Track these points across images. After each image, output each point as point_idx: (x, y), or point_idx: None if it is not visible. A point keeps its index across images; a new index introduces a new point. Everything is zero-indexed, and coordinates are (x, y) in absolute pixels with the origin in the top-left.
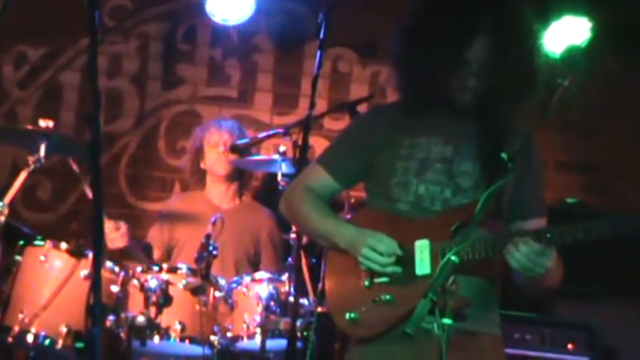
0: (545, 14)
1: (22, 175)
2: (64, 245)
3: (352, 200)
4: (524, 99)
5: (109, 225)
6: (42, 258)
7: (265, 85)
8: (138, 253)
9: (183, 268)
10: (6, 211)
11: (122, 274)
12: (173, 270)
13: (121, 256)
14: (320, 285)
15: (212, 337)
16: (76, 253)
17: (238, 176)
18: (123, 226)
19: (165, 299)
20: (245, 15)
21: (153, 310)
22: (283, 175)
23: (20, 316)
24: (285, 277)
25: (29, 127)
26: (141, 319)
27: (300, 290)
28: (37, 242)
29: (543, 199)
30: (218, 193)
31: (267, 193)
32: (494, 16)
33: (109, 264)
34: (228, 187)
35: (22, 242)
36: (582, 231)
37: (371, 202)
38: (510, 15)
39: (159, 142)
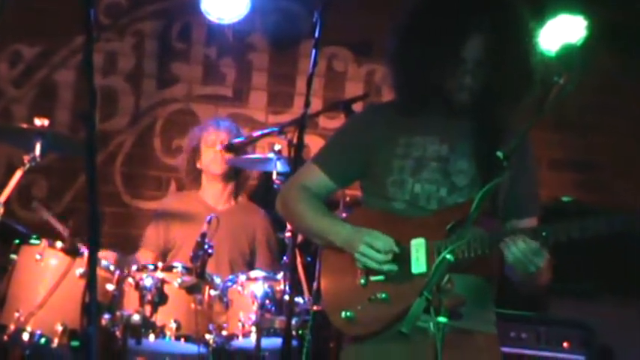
0: (541, 13)
1: (18, 174)
2: (59, 244)
3: (347, 199)
4: (520, 97)
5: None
6: (37, 257)
7: (260, 83)
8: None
9: (178, 266)
10: (1, 210)
11: (117, 272)
12: (168, 268)
13: None
14: (315, 283)
15: (207, 336)
16: (72, 252)
17: (234, 176)
18: (111, 257)
19: (160, 298)
20: (240, 14)
21: (148, 309)
22: (278, 173)
23: (16, 314)
24: (280, 275)
25: (24, 125)
26: (136, 317)
27: (296, 289)
28: (32, 241)
29: (537, 198)
30: (213, 194)
31: (263, 192)
32: (490, 14)
33: (104, 262)
34: (224, 187)
35: (17, 241)
36: (578, 229)
37: (367, 201)
38: (506, 13)
39: (154, 141)
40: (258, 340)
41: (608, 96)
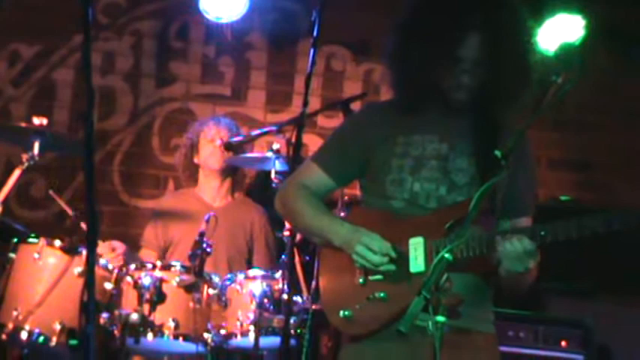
0: (539, 12)
1: (16, 173)
2: (57, 243)
3: (346, 198)
4: (518, 96)
5: (103, 246)
6: (36, 255)
7: (259, 82)
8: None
9: (176, 265)
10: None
11: (116, 271)
12: (167, 267)
13: None
14: (314, 282)
15: (206, 335)
16: (70, 251)
17: (232, 173)
18: (119, 247)
19: (158, 296)
20: (239, 12)
21: (146, 308)
22: (277, 172)
23: (14, 313)
24: (278, 274)
25: (23, 124)
26: (134, 316)
27: (294, 288)
28: (30, 240)
29: (534, 198)
30: (210, 190)
31: (261, 190)
32: (488, 13)
33: (102, 261)
34: (221, 184)
35: (15, 240)
36: (576, 228)
37: (366, 200)
38: (504, 12)
39: (152, 140)
40: (256, 339)
41: (607, 95)
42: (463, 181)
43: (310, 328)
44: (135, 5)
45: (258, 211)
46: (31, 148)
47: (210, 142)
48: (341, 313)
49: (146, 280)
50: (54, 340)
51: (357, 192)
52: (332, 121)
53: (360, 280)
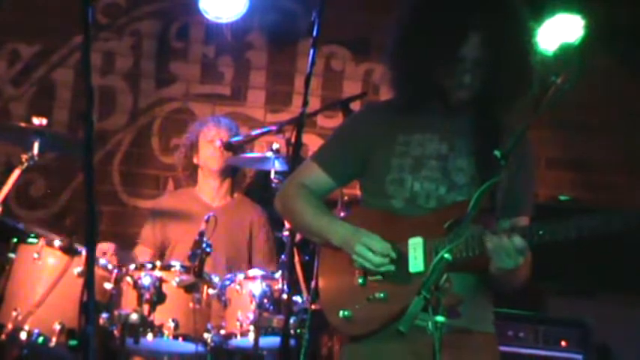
0: (539, 12)
1: (16, 173)
2: (57, 243)
3: (345, 198)
4: (518, 96)
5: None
6: (35, 255)
7: (258, 82)
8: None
9: (176, 265)
10: None
11: (115, 271)
12: (166, 267)
13: None
14: (313, 282)
15: (205, 335)
16: (70, 251)
17: (231, 173)
18: (108, 248)
19: (158, 297)
20: (238, 12)
21: (146, 308)
22: (276, 172)
23: (14, 313)
24: (278, 274)
25: (22, 124)
26: (134, 316)
27: (294, 288)
28: (30, 240)
29: (533, 198)
30: (210, 190)
31: (261, 190)
32: (489, 13)
33: (102, 261)
34: (220, 184)
35: (15, 240)
36: (574, 229)
37: (365, 199)
38: (505, 12)
39: (152, 140)
40: (256, 339)
41: (607, 95)
42: (463, 180)
43: (309, 328)
44: (135, 5)
45: (257, 211)
46: (31, 148)
47: (210, 143)
48: (340, 313)
49: (146, 281)
50: (53, 341)
51: (357, 192)
52: (332, 121)
53: (360, 281)
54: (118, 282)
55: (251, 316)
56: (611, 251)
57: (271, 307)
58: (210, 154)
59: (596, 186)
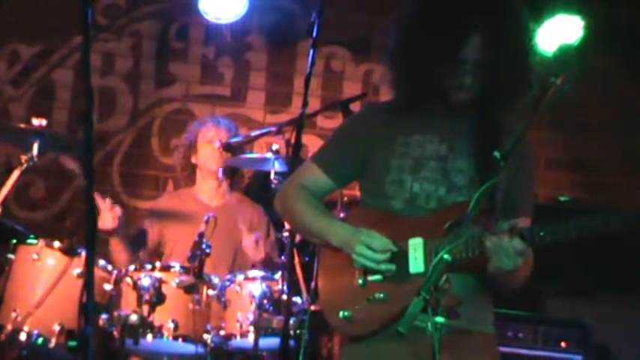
0: (539, 13)
1: (15, 174)
2: (56, 244)
3: (345, 199)
4: (518, 96)
5: (103, 203)
6: (35, 256)
7: (258, 83)
8: (124, 240)
9: (176, 266)
10: None
11: (115, 272)
12: (166, 268)
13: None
14: (313, 283)
15: (205, 336)
16: (69, 252)
17: (230, 174)
18: (117, 209)
19: (158, 297)
20: (238, 13)
21: (146, 309)
22: (276, 173)
23: (13, 314)
24: (278, 275)
25: (22, 125)
26: (134, 317)
27: (294, 288)
28: (29, 241)
29: (532, 199)
30: (208, 191)
31: (260, 191)
32: (489, 14)
33: (102, 262)
34: (218, 184)
35: (14, 241)
36: (574, 229)
37: (365, 200)
38: (505, 13)
39: (152, 141)
40: (256, 340)
41: (606, 95)
42: (463, 181)
43: (309, 329)
44: (134, 6)
45: (256, 209)
46: (30, 149)
47: (209, 144)
48: (340, 313)
49: (145, 281)
50: (53, 342)
51: (357, 193)
52: (331, 122)
53: (360, 281)
54: (117, 283)
55: (251, 317)
56: (611, 252)
57: (271, 308)
58: (209, 154)
59: (596, 186)
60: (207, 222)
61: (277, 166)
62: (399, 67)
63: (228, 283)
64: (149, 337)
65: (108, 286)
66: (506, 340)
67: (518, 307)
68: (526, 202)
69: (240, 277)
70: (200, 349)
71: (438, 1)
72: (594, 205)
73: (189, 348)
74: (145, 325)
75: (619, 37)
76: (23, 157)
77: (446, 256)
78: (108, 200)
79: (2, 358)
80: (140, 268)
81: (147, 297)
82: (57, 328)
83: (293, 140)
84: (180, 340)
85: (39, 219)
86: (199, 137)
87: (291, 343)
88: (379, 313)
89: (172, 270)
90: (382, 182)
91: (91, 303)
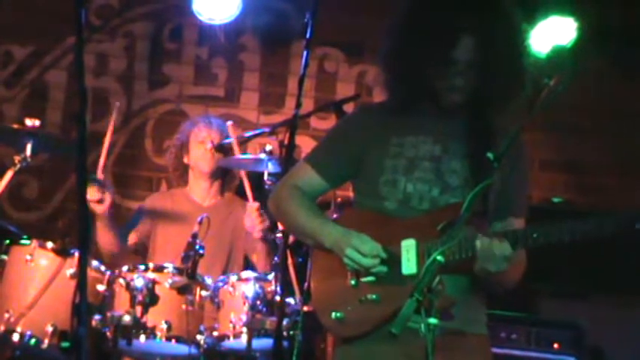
0: (532, 14)
1: (9, 175)
2: (49, 244)
3: (338, 199)
4: (511, 98)
5: (94, 190)
6: (28, 257)
7: (252, 84)
8: (111, 227)
9: (169, 267)
10: None
11: (108, 273)
12: (159, 269)
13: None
14: (306, 284)
15: (198, 337)
16: (62, 252)
17: (222, 174)
18: (108, 197)
19: (151, 298)
20: (232, 14)
21: (139, 310)
22: (270, 174)
23: (6, 315)
24: (271, 276)
25: (15, 126)
26: (127, 318)
27: (287, 289)
28: (22, 241)
29: (526, 200)
30: (200, 191)
31: (254, 192)
32: (481, 15)
33: (95, 263)
34: (210, 185)
35: (7, 241)
36: (567, 232)
37: (359, 201)
38: (497, 14)
39: (145, 142)
40: (249, 341)
41: (599, 97)
42: (456, 182)
43: (302, 330)
44: (128, 7)
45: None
46: (24, 149)
47: (201, 144)
48: (333, 314)
49: (138, 282)
50: (46, 343)
51: (350, 194)
52: (325, 123)
53: (352, 282)
54: (110, 284)
55: (244, 318)
56: (604, 253)
57: (264, 309)
58: (200, 155)
59: (589, 188)
60: (200, 223)
61: (271, 167)
62: (392, 69)
63: (221, 284)
64: (142, 337)
65: (101, 287)
66: (500, 342)
67: (512, 309)
68: (520, 203)
69: (233, 278)
70: (193, 350)
71: (430, 2)
72: (587, 206)
73: (183, 349)
74: (138, 325)
75: (612, 39)
76: (16, 158)
77: (439, 258)
78: (97, 188)
79: None
80: (133, 269)
81: (140, 298)
82: (50, 328)
83: (286, 141)
84: (173, 341)
85: (32, 219)
86: (191, 137)
87: (285, 344)
88: (372, 314)
89: (165, 271)
90: (376, 183)
91: (84, 304)
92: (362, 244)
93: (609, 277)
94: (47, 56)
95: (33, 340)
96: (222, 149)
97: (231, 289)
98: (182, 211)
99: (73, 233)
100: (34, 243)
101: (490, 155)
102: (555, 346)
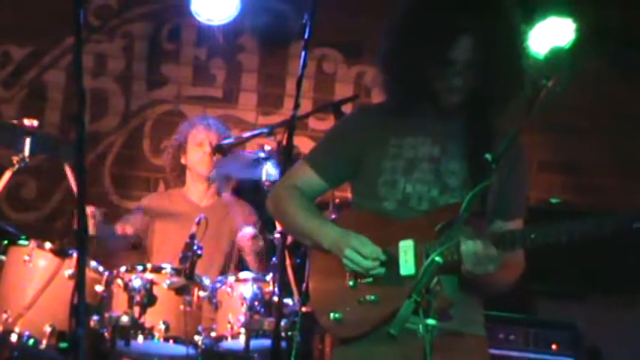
0: (530, 15)
1: (7, 175)
2: (48, 245)
3: (337, 200)
4: (510, 98)
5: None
6: (26, 258)
7: (250, 84)
8: (112, 241)
9: (167, 267)
10: None
11: (106, 273)
12: (157, 270)
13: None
14: (304, 285)
15: (196, 337)
16: (60, 253)
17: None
18: (95, 217)
19: (149, 299)
20: (230, 15)
21: (137, 310)
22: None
23: (4, 315)
24: (269, 276)
25: (14, 121)
26: (125, 318)
27: (285, 290)
28: (21, 242)
29: (525, 201)
30: (198, 191)
31: (252, 193)
32: (480, 16)
33: (93, 264)
34: (208, 185)
35: (6, 242)
36: (565, 233)
37: (357, 202)
38: (496, 15)
39: (143, 142)
40: (247, 342)
41: (597, 98)
42: (455, 183)
43: (300, 331)
44: (126, 7)
45: (245, 208)
46: (22, 149)
47: (200, 147)
48: (331, 315)
49: (136, 283)
50: (44, 343)
51: (348, 194)
52: (323, 124)
53: (351, 283)
54: (108, 284)
55: (242, 319)
56: (602, 254)
57: (262, 310)
58: (199, 158)
59: (587, 188)
60: (198, 223)
61: (269, 168)
62: (391, 69)
63: (219, 285)
64: (140, 338)
65: (99, 288)
66: (498, 342)
67: (510, 310)
68: (518, 204)
69: (231, 279)
70: (191, 351)
71: (429, 2)
72: (585, 207)
73: (180, 349)
74: (136, 326)
75: (610, 40)
76: (15, 158)
77: (437, 259)
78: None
79: None
80: (131, 270)
81: (138, 298)
82: (48, 329)
83: (285, 142)
84: (171, 341)
85: (30, 220)
86: (189, 139)
87: (283, 344)
88: (370, 315)
89: (163, 271)
90: (375, 183)
91: (82, 304)
92: (362, 246)
93: (607, 278)
94: (46, 56)
95: (31, 341)
96: (221, 150)
97: (229, 289)
98: (179, 211)
99: (70, 234)
100: (33, 243)
101: (488, 156)
102: (553, 346)
